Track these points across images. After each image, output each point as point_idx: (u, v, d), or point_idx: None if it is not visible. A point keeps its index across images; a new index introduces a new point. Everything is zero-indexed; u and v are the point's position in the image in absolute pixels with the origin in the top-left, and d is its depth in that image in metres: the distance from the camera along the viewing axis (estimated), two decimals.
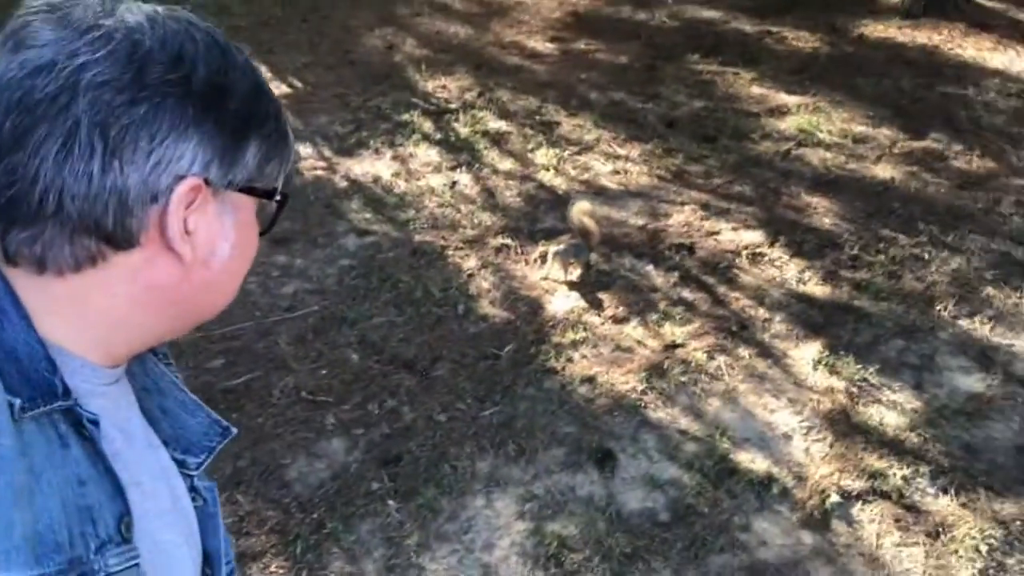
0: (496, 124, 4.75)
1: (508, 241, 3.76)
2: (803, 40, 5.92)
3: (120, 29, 0.63)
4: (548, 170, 4.32)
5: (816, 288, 3.51)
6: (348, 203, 4.06)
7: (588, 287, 3.47)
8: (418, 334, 3.22)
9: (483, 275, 3.56)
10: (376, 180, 4.24)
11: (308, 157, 4.40)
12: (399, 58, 5.60)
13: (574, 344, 3.17)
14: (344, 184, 4.21)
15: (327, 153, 4.47)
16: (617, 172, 4.33)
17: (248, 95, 0.68)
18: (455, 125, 4.74)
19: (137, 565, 0.65)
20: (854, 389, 2.99)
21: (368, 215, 3.97)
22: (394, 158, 4.43)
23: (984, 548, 2.42)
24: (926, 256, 3.70)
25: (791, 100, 5.03)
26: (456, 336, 3.22)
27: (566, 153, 4.47)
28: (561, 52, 5.73)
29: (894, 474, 2.65)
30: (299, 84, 5.18)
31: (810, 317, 3.34)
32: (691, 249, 3.73)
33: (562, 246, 3.45)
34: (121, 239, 0.64)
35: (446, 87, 5.17)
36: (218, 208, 0.68)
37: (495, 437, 2.77)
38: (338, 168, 4.34)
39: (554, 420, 2.84)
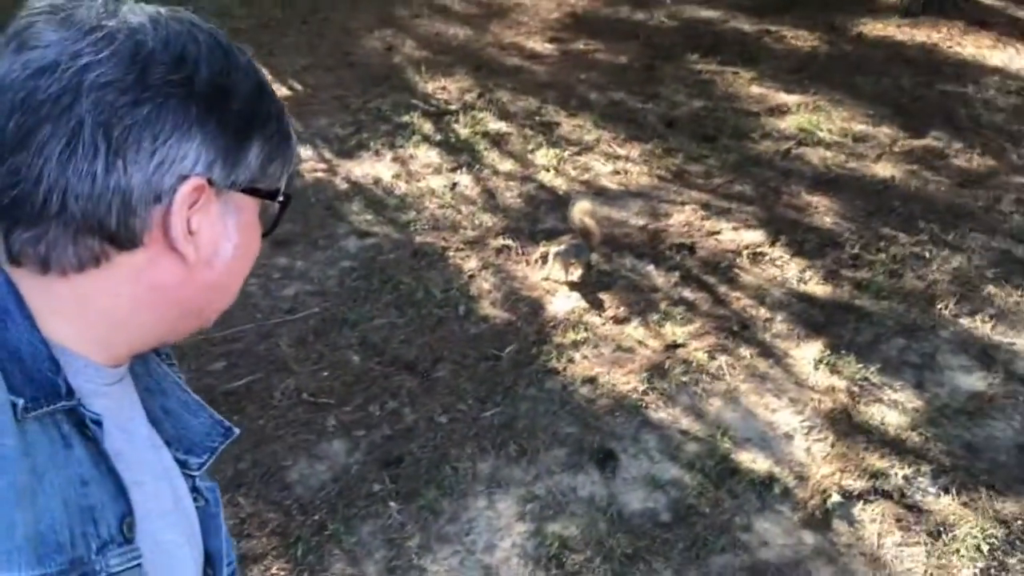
0: (496, 125, 4.75)
1: (509, 242, 3.76)
2: (802, 39, 5.92)
3: (123, 30, 0.63)
4: (548, 171, 4.32)
5: (817, 287, 3.51)
6: (349, 205, 4.06)
7: (589, 287, 3.47)
8: (419, 335, 3.22)
9: (484, 276, 3.57)
10: (376, 182, 4.24)
11: (308, 159, 4.40)
12: (399, 60, 5.60)
13: (575, 344, 3.17)
14: (344, 186, 4.21)
15: (327, 155, 4.47)
16: (617, 172, 4.33)
17: (251, 96, 0.68)
18: (455, 126, 4.74)
19: (139, 565, 0.65)
20: (855, 388, 2.99)
21: (369, 217, 3.97)
22: (394, 160, 4.44)
23: (986, 547, 2.42)
24: (927, 255, 3.70)
25: (791, 99, 5.03)
26: (457, 337, 3.22)
27: (566, 153, 4.47)
28: (560, 53, 5.73)
29: (895, 473, 2.65)
30: (299, 86, 5.18)
31: (811, 316, 3.34)
32: (692, 249, 3.73)
33: (563, 246, 3.45)
34: (124, 239, 0.64)
35: (446, 88, 5.17)
36: (221, 209, 0.68)
37: (496, 438, 2.77)
38: (338, 170, 4.35)
39: (555, 421, 2.84)
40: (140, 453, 0.73)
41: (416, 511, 2.52)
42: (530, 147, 4.54)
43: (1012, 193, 4.14)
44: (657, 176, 4.30)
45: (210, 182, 0.66)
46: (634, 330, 3.26)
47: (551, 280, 3.50)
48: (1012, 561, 2.39)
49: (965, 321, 3.31)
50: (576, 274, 3.48)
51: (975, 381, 3.03)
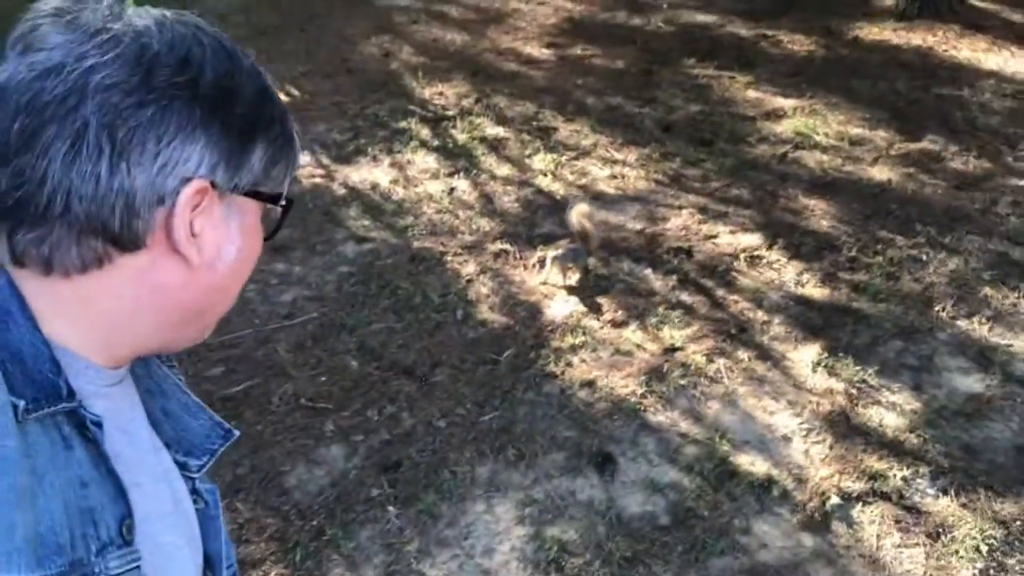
0: (493, 130, 4.76)
1: (506, 246, 3.77)
2: (798, 43, 5.94)
3: (128, 32, 0.63)
4: (546, 175, 4.33)
5: (814, 290, 3.51)
6: (346, 210, 4.06)
7: (587, 291, 3.47)
8: (417, 340, 3.22)
9: (482, 280, 3.57)
10: (374, 187, 4.25)
11: (306, 165, 4.41)
12: (396, 66, 5.62)
13: (573, 348, 3.17)
14: (342, 191, 4.22)
15: (325, 161, 4.48)
16: (614, 177, 4.34)
17: (254, 99, 0.69)
18: (453, 132, 4.75)
19: (138, 567, 0.65)
20: (853, 391, 2.99)
21: (366, 222, 3.97)
22: (392, 165, 4.44)
23: (984, 548, 2.42)
24: (924, 257, 3.71)
25: (787, 103, 5.05)
26: (455, 341, 3.22)
27: (563, 158, 4.48)
28: (557, 58, 5.75)
29: (894, 475, 2.66)
30: (296, 92, 5.19)
31: (809, 319, 3.35)
32: (689, 252, 3.74)
33: (560, 251, 3.46)
34: (127, 241, 0.64)
35: (443, 94, 5.18)
36: (224, 211, 0.68)
37: (495, 442, 2.77)
38: (336, 176, 4.35)
39: (554, 424, 2.84)
40: (140, 455, 0.73)
41: (415, 515, 2.52)
42: (527, 152, 4.55)
43: (1008, 195, 4.16)
44: (654, 180, 4.31)
45: (213, 185, 0.66)
46: (632, 334, 3.26)
47: (549, 284, 3.51)
48: (1011, 562, 2.39)
49: (962, 323, 3.32)
50: (574, 278, 3.49)
51: (973, 383, 3.04)
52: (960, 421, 2.87)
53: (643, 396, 2.95)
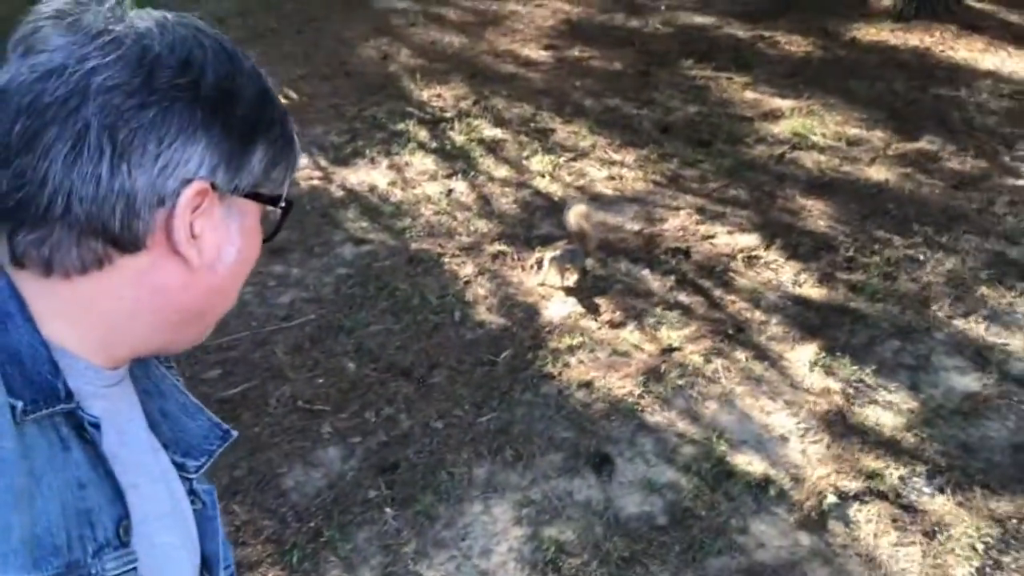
0: (491, 132, 4.77)
1: (504, 248, 3.77)
2: (796, 44, 5.95)
3: (130, 34, 0.64)
4: (544, 177, 4.34)
5: (812, 290, 3.52)
6: (344, 212, 4.07)
7: (584, 292, 3.48)
8: (415, 341, 3.23)
9: (480, 282, 3.58)
10: (372, 189, 4.25)
11: (304, 167, 4.41)
12: (394, 68, 5.62)
13: (571, 349, 3.18)
14: (340, 193, 4.22)
15: (323, 163, 4.49)
16: (612, 178, 4.35)
17: (255, 101, 0.69)
18: (451, 133, 4.76)
19: (135, 569, 0.66)
20: (850, 390, 3.00)
21: (364, 224, 3.98)
22: (390, 167, 4.45)
23: (981, 547, 2.43)
24: (921, 257, 3.71)
25: (785, 104, 5.06)
26: (453, 343, 3.23)
27: (561, 160, 4.49)
28: (555, 60, 5.76)
29: (891, 474, 2.66)
30: (295, 95, 5.20)
31: (806, 319, 3.35)
32: (687, 253, 3.74)
33: (558, 252, 3.46)
34: (127, 242, 0.64)
35: (441, 96, 5.19)
36: (224, 213, 0.68)
37: (492, 443, 2.77)
38: (334, 178, 4.36)
39: (551, 425, 2.85)
40: (138, 455, 0.73)
41: (412, 517, 2.52)
42: (525, 153, 4.55)
43: (1005, 195, 4.17)
44: (652, 181, 4.32)
45: (213, 186, 0.66)
46: (630, 334, 3.27)
47: (547, 285, 3.51)
48: (1007, 560, 2.40)
49: (959, 322, 3.33)
50: (572, 279, 3.49)
51: (970, 382, 3.04)
52: (957, 420, 2.87)
53: (640, 396, 2.96)
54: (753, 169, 4.42)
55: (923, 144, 4.64)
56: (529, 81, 5.43)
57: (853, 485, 2.63)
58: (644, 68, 5.58)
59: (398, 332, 3.28)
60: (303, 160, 4.46)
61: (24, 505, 0.58)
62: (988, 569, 2.37)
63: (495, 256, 3.73)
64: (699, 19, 6.42)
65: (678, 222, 3.97)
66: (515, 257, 3.72)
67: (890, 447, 2.77)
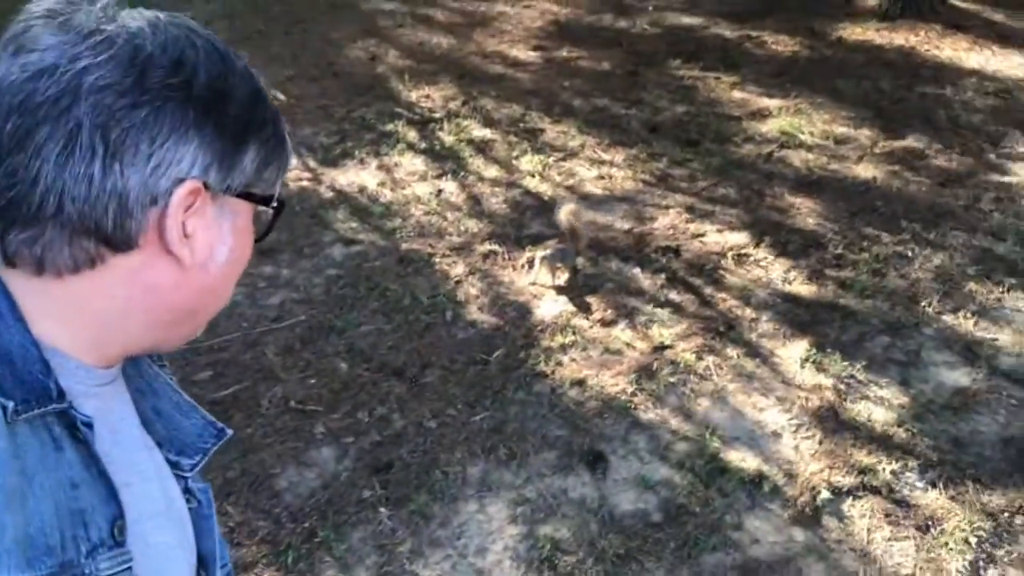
0: (480, 132, 4.77)
1: (495, 247, 3.77)
2: (782, 44, 5.98)
3: (122, 34, 0.63)
4: (533, 176, 4.34)
5: (802, 287, 3.54)
6: (334, 213, 4.06)
7: (576, 291, 3.48)
8: (407, 341, 3.22)
9: (471, 281, 3.57)
10: (362, 190, 4.24)
11: (293, 168, 4.40)
12: (382, 69, 5.61)
13: (563, 348, 3.18)
14: (330, 194, 4.21)
15: (312, 164, 4.47)
16: (602, 177, 4.36)
17: (247, 101, 0.69)
18: (440, 134, 4.75)
19: (129, 568, 0.65)
20: (841, 386, 3.01)
21: (354, 224, 3.97)
22: (379, 168, 4.44)
23: (974, 540, 2.44)
24: (909, 253, 3.74)
25: (772, 103, 5.08)
26: (445, 342, 3.22)
27: (551, 159, 4.49)
28: (544, 60, 5.76)
29: (883, 469, 2.67)
30: (283, 96, 5.17)
31: (796, 316, 3.36)
32: (677, 251, 3.75)
33: (549, 251, 3.46)
34: (120, 241, 0.64)
35: (430, 97, 5.18)
36: (216, 212, 0.68)
37: (486, 442, 2.77)
38: (323, 179, 4.35)
39: (545, 423, 2.85)
40: (131, 454, 0.72)
41: (407, 516, 2.51)
42: (515, 154, 4.55)
43: (991, 192, 4.20)
44: (641, 180, 4.33)
45: (206, 186, 0.66)
46: (621, 332, 3.27)
47: (538, 284, 3.51)
48: (1000, 553, 2.42)
49: (948, 318, 3.35)
50: (563, 278, 3.49)
51: (959, 377, 3.06)
52: (947, 415, 2.89)
53: (633, 394, 2.96)
54: (742, 168, 4.43)
55: (910, 142, 4.67)
56: (518, 81, 5.43)
57: (846, 480, 2.64)
58: (632, 68, 5.59)
59: (389, 332, 3.27)
60: (292, 161, 4.44)
61: (17, 505, 0.58)
62: (981, 562, 2.38)
63: (486, 256, 3.73)
64: (686, 19, 6.44)
65: (668, 221, 3.98)
66: (506, 256, 3.72)
67: (882, 442, 2.79)
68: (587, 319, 3.34)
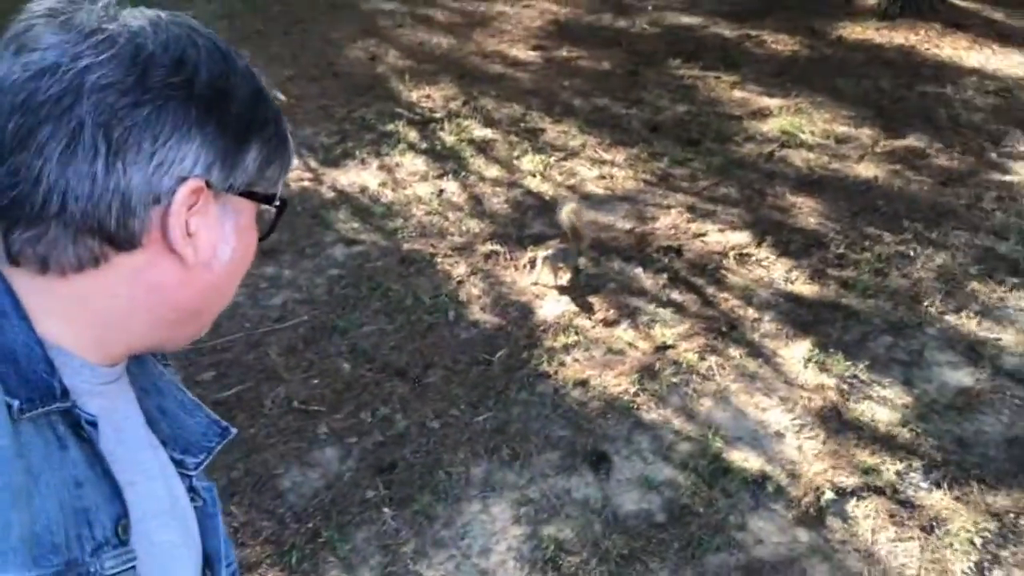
0: (481, 132, 4.76)
1: (497, 247, 3.76)
2: (782, 43, 5.98)
3: (123, 33, 0.63)
4: (534, 176, 4.33)
5: (804, 287, 3.53)
6: (335, 213, 4.05)
7: (578, 291, 3.47)
8: (409, 341, 3.21)
9: (473, 281, 3.56)
10: (363, 190, 4.24)
11: (294, 168, 4.39)
12: (382, 69, 5.61)
13: (566, 348, 3.17)
14: (331, 195, 4.20)
15: (313, 164, 4.47)
16: (603, 177, 4.35)
17: (249, 99, 0.69)
18: (440, 134, 4.75)
19: (134, 567, 0.65)
20: (844, 386, 3.00)
21: (356, 225, 3.96)
22: (380, 168, 4.43)
23: (979, 541, 2.43)
24: (911, 253, 3.73)
25: (773, 102, 5.08)
26: (447, 343, 3.21)
27: (552, 159, 4.49)
28: (544, 60, 5.76)
29: (887, 469, 2.67)
30: (283, 96, 5.17)
31: (799, 316, 3.36)
32: (679, 251, 3.74)
33: (551, 251, 3.46)
34: (123, 240, 0.64)
35: (430, 96, 5.18)
36: (219, 211, 0.68)
37: (489, 442, 2.76)
38: (324, 179, 4.34)
39: (548, 424, 2.84)
40: (135, 453, 0.72)
41: (410, 517, 2.51)
42: (516, 153, 4.55)
43: (993, 191, 4.19)
44: (642, 180, 4.32)
45: (209, 184, 0.66)
46: (624, 332, 3.26)
47: (540, 284, 3.50)
48: (1005, 554, 2.41)
49: (951, 318, 3.34)
50: (565, 278, 3.49)
51: (963, 376, 3.06)
52: (951, 415, 2.88)
53: (636, 394, 2.95)
54: (743, 167, 4.43)
55: (910, 141, 4.67)
56: (518, 81, 5.43)
57: (850, 481, 2.63)
58: (632, 68, 5.59)
59: (392, 332, 3.26)
60: (293, 161, 4.44)
61: (22, 503, 0.57)
62: (986, 563, 2.38)
63: (488, 256, 3.72)
64: (686, 19, 6.44)
65: (669, 220, 3.97)
66: (508, 256, 3.71)
67: (886, 442, 2.78)
68: (589, 319, 3.34)
